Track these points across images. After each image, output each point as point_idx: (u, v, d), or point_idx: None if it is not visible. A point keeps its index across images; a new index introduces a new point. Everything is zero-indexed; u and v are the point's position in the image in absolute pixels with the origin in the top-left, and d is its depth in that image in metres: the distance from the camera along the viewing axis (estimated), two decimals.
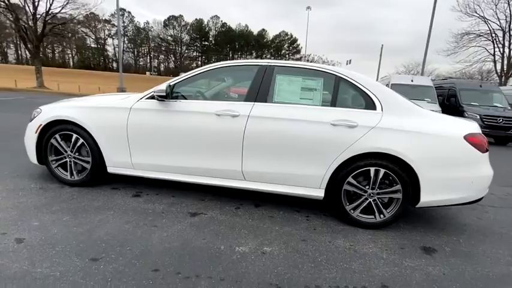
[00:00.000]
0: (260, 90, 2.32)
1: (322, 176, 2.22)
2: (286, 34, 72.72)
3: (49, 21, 16.62)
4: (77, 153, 2.56)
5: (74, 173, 2.59)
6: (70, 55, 75.55)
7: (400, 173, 2.11)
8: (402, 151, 2.07)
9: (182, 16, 73.37)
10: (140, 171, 2.50)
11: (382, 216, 2.22)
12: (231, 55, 77.95)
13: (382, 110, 2.20)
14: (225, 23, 74.31)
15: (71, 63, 74.06)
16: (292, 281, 1.55)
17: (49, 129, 2.54)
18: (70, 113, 2.49)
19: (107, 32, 73.61)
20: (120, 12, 65.34)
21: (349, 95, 2.36)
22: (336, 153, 2.16)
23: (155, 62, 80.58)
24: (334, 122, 2.16)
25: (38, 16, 16.03)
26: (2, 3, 14.60)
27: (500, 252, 2.08)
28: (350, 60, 36.76)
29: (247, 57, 79.92)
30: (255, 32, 74.08)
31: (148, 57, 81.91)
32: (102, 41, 72.73)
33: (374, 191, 2.19)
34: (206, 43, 75.32)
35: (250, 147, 2.26)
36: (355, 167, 2.16)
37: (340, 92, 2.30)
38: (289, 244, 1.94)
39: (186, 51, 78.30)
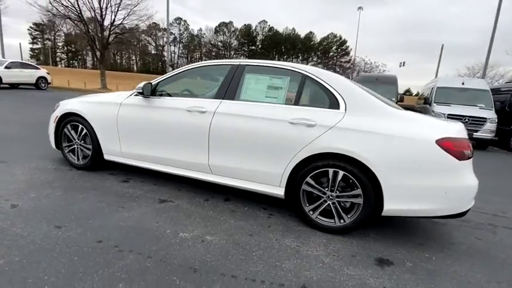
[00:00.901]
0: (229, 88, 2.43)
1: (281, 174, 2.21)
2: (335, 36, 70.10)
3: (113, 31, 19.18)
4: (82, 141, 3.00)
5: (80, 158, 3.05)
6: (134, 61, 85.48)
7: (359, 176, 1.98)
8: (361, 153, 1.95)
9: (232, 22, 76.76)
10: (127, 160, 2.82)
11: (342, 221, 2.10)
12: (277, 58, 78.54)
13: (345, 109, 2.10)
14: (272, 27, 75.30)
15: (135, 68, 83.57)
16: (212, 268, 1.61)
17: (63, 120, 3.04)
18: (78, 106, 2.94)
19: (165, 40, 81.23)
20: (177, 21, 70.75)
21: (314, 94, 2.30)
22: (293, 152, 2.13)
23: None
24: (293, 121, 2.14)
25: (104, 27, 18.59)
26: (77, 16, 17.40)
27: (478, 276, 1.79)
28: (404, 62, 33.89)
29: (292, 61, 79.46)
30: (302, 35, 73.35)
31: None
32: (161, 48, 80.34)
33: (333, 193, 2.09)
34: (253, 47, 77.23)
35: (215, 142, 2.37)
36: (313, 167, 2.10)
37: (305, 90, 2.26)
38: (233, 237, 1.99)
39: (234, 55, 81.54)
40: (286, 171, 2.19)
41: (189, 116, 2.44)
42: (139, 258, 1.64)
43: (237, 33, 76.29)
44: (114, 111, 2.75)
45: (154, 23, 78.37)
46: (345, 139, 2.01)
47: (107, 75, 20.52)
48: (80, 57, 74.84)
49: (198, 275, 1.55)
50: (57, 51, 71.94)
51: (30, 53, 66.48)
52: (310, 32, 73.07)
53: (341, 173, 2.03)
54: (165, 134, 2.56)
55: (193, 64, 2.67)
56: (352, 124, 2.02)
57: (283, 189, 2.25)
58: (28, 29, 65.32)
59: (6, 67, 12.27)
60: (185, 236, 1.93)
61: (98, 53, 19.16)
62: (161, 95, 2.71)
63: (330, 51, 71.79)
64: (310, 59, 74.08)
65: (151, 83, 2.62)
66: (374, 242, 2.11)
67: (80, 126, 2.94)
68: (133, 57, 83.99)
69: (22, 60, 18.90)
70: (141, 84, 2.54)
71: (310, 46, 72.65)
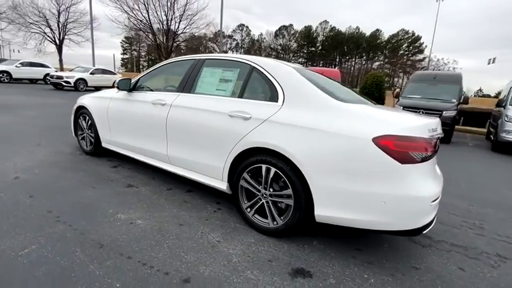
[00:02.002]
0: (187, 82, 2.50)
1: (222, 168, 2.17)
2: (406, 32, 62.53)
3: (177, 39, 21.52)
4: (89, 130, 3.50)
5: (88, 144, 3.56)
6: None
7: (289, 174, 1.80)
8: (288, 149, 1.77)
9: (292, 25, 76.60)
10: (115, 147, 3.17)
11: (275, 222, 1.94)
12: (338, 59, 74.93)
13: (283, 102, 1.93)
14: (334, 27, 72.08)
15: None
16: (117, 247, 1.71)
17: (78, 112, 3.60)
18: (85, 101, 3.45)
19: (228, 46, 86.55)
20: (240, 28, 74.56)
21: (258, 86, 2.17)
22: (231, 146, 2.07)
23: None
24: (232, 113, 2.07)
25: (169, 36, 21.01)
26: (148, 28, 20.18)
27: None
28: (494, 59, 28.24)
29: (355, 61, 74.59)
30: (368, 33, 68.05)
31: None
32: (224, 53, 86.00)
33: (266, 191, 1.95)
34: (313, 49, 75.49)
35: (170, 133, 2.47)
36: (249, 163, 2.00)
37: (250, 82, 2.16)
38: (163, 224, 2.05)
39: (293, 58, 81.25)
40: (226, 165, 2.14)
41: (153, 109, 2.61)
42: (67, 229, 1.86)
43: (297, 35, 75.78)
44: (106, 105, 3.14)
45: (220, 30, 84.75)
46: (275, 133, 1.85)
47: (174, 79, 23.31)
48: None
49: (100, 251, 1.66)
50: (141, 59, 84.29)
51: (121, 62, 79.76)
52: (377, 30, 67.29)
53: (273, 170, 1.88)
54: (137, 125, 2.80)
55: (166, 60, 2.84)
56: (285, 118, 1.85)
57: (226, 183, 2.19)
58: (121, 42, 78.44)
59: (91, 73, 15.07)
60: (120, 217, 2.08)
61: (162, 60, 21.76)
62: (143, 90, 2.96)
63: (400, 49, 64.59)
64: (376, 58, 68.18)
65: (130, 79, 2.90)
66: (310, 250, 1.87)
67: (87, 117, 3.45)
68: None
69: (114, 68, 22.87)
70: (117, 80, 2.84)
71: (376, 45, 66.86)
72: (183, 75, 2.58)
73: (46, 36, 24.38)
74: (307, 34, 73.62)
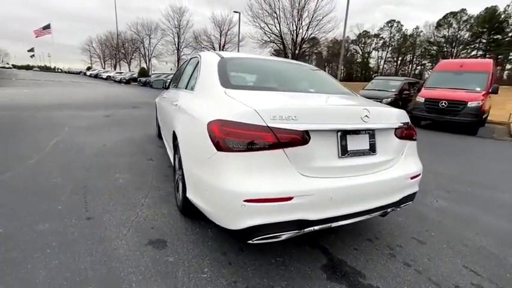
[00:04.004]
0: (176, 79, 3.06)
1: (171, 147, 2.56)
2: None
3: (303, 46, 22.63)
4: (158, 120, 4.80)
5: (157, 130, 4.89)
6: (343, 70, 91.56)
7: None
8: (176, 129, 1.97)
9: (464, 10, 59.29)
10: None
11: (179, 201, 2.12)
12: None
13: (195, 90, 2.08)
14: None
15: (340, 77, 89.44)
16: (90, 190, 2.52)
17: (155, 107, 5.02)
18: (157, 99, 4.77)
19: (373, 46, 78.82)
20: (389, 24, 65.91)
21: (196, 77, 2.34)
22: (172, 128, 2.43)
23: (417, 69, 73.44)
24: (173, 102, 2.43)
25: (296, 44, 22.43)
26: (279, 39, 22.53)
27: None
28: None
29: None
30: None
31: (410, 65, 76.67)
32: (367, 55, 79.02)
33: (179, 172, 2.17)
34: (498, 36, 54.99)
35: (164, 119, 3.13)
36: (175, 144, 2.29)
37: (193, 74, 2.41)
38: (128, 185, 2.70)
39: (462, 52, 62.84)
40: (171, 145, 2.52)
41: (163, 101, 3.37)
42: (84, 174, 2.89)
43: (472, 21, 57.97)
44: (158, 100, 4.25)
45: (365, 31, 78.62)
46: (178, 117, 2.06)
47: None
48: None
49: (81, 190, 2.52)
50: None
51: None
52: None
53: None
54: (161, 114, 3.66)
55: (182, 63, 3.52)
56: (186, 104, 2.02)
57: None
58: (271, 54, 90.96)
59: None
60: (115, 176, 2.93)
61: None
62: (170, 87, 3.80)
63: None
64: None
65: (164, 80, 3.82)
66: (196, 233, 1.95)
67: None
68: (342, 67, 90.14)
69: None
70: (152, 81, 3.82)
71: None
72: (181, 73, 3.17)
73: None
74: (490, 18, 54.72)
